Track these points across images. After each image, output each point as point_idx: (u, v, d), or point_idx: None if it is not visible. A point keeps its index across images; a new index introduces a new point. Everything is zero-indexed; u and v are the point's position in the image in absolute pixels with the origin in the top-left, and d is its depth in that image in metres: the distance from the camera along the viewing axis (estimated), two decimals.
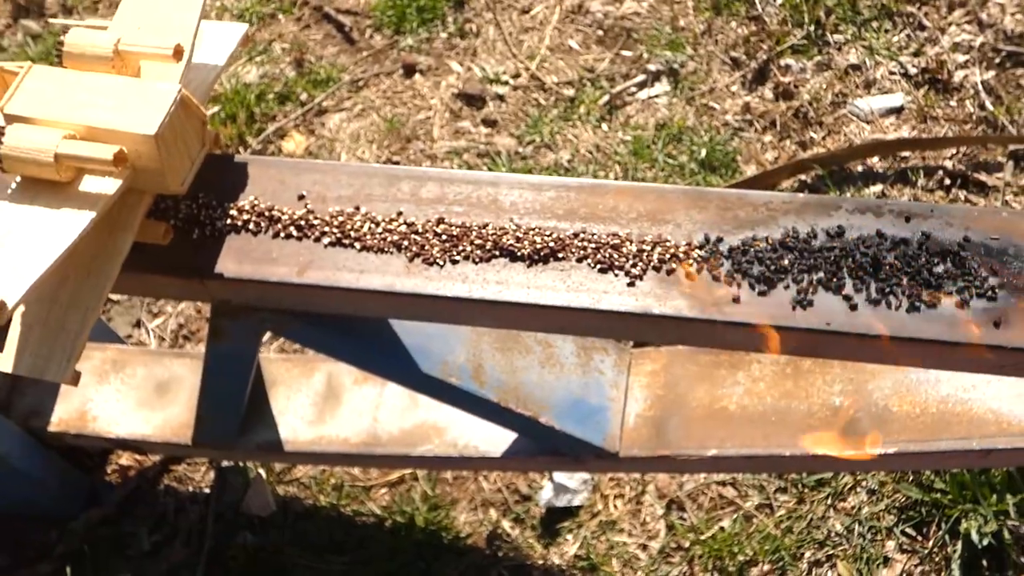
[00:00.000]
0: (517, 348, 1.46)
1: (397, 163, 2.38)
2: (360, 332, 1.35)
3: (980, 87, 2.26)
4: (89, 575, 1.89)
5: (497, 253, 1.13)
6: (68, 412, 1.79)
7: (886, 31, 2.39)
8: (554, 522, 1.90)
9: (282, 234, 1.17)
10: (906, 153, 2.21)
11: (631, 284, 1.10)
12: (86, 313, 1.06)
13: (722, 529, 1.84)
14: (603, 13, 2.55)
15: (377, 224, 1.16)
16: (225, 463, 2.01)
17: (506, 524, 1.91)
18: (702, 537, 1.83)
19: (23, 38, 2.78)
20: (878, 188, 2.18)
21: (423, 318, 1.23)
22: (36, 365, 1.05)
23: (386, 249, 1.15)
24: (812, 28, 2.40)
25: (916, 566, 1.75)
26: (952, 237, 1.08)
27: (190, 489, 2.01)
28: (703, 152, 2.26)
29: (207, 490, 2.00)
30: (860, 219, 1.11)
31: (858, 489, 1.83)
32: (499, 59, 2.52)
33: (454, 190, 1.19)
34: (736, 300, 1.07)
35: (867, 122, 2.28)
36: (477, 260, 1.13)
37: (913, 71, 2.32)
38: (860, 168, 2.21)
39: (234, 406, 1.61)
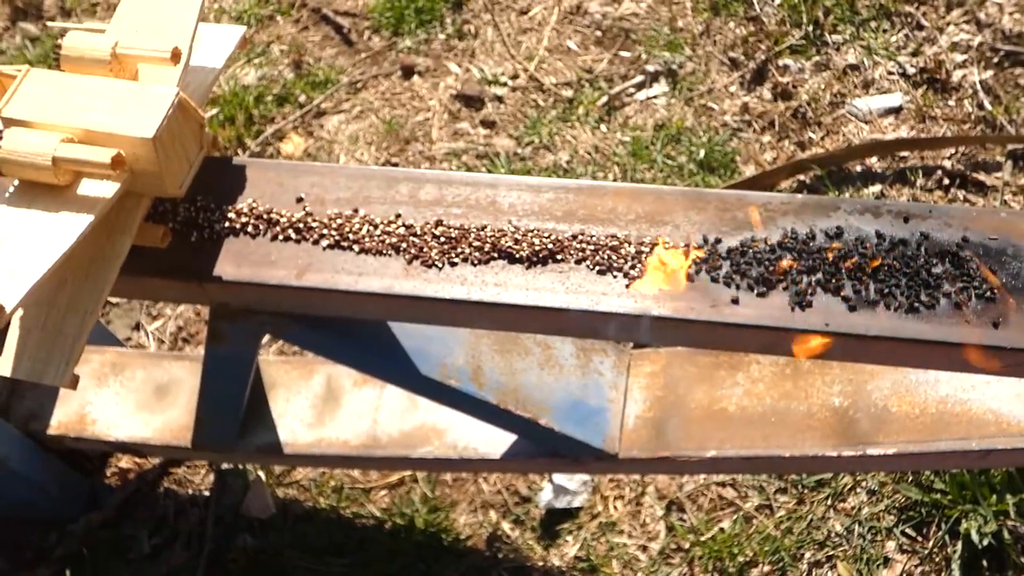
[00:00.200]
0: (516, 350, 1.46)
1: (396, 165, 2.38)
2: (359, 334, 1.35)
3: (978, 87, 2.27)
4: None
5: (496, 255, 1.13)
6: (67, 415, 1.79)
7: (884, 31, 2.39)
8: (554, 523, 1.90)
9: (280, 237, 1.17)
10: (905, 153, 2.21)
11: (630, 286, 1.10)
12: (84, 317, 1.06)
13: (722, 530, 1.84)
14: (601, 14, 2.55)
15: (376, 226, 1.16)
16: (225, 466, 2.01)
17: (506, 526, 1.91)
18: (702, 538, 1.83)
19: (21, 41, 2.78)
20: (877, 188, 2.18)
21: (422, 320, 1.23)
22: (34, 369, 1.04)
23: (384, 251, 1.14)
24: (810, 28, 2.41)
25: (916, 566, 1.75)
26: (951, 237, 1.08)
27: (190, 492, 2.01)
28: (702, 153, 2.26)
29: (207, 493, 2.00)
30: (859, 220, 1.11)
31: (858, 490, 1.83)
32: (497, 60, 2.52)
33: (452, 192, 1.18)
34: (735, 301, 1.07)
35: (866, 122, 2.28)
36: (476, 262, 1.13)
37: (911, 71, 2.32)
38: (859, 168, 2.21)
39: (233, 409, 1.61)
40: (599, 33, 2.52)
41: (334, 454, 1.66)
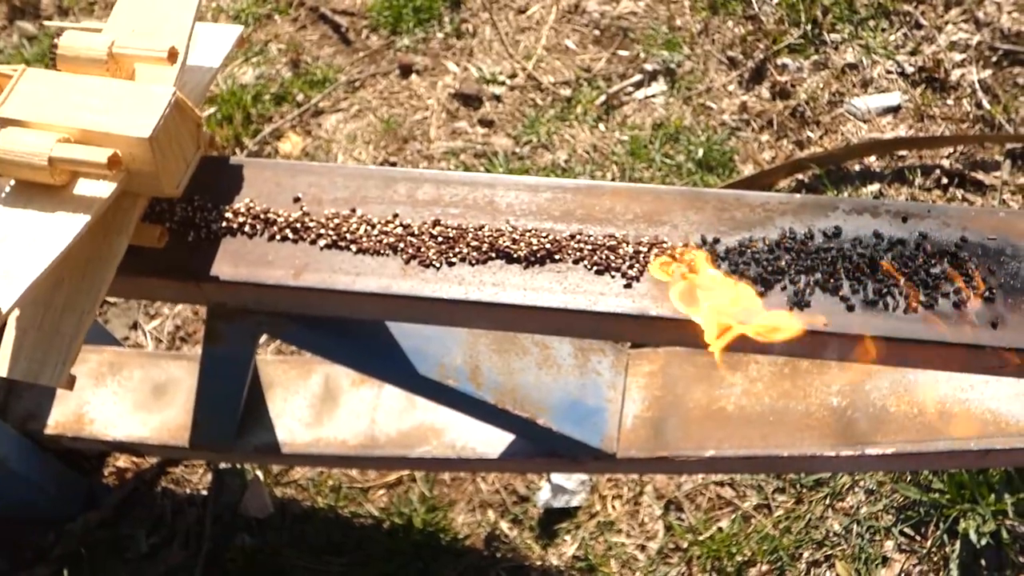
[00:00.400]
0: (514, 350, 1.46)
1: (394, 164, 2.37)
2: (357, 334, 1.35)
3: (977, 86, 2.26)
4: None
5: (493, 255, 1.13)
6: (65, 415, 1.79)
7: (883, 30, 2.39)
8: (552, 523, 1.90)
9: (278, 237, 1.17)
10: (903, 152, 2.20)
11: (628, 286, 1.10)
12: (81, 317, 1.06)
13: (720, 529, 1.84)
14: (600, 13, 2.54)
15: (373, 226, 1.16)
16: (222, 465, 2.01)
17: (504, 525, 1.91)
18: (700, 538, 1.83)
19: (18, 40, 2.77)
20: (875, 187, 2.17)
21: (419, 320, 1.23)
22: (31, 369, 1.04)
23: (382, 251, 1.14)
24: (809, 27, 2.40)
25: (915, 566, 1.75)
26: (949, 237, 1.08)
27: (187, 491, 2.01)
28: (700, 152, 2.26)
29: (205, 492, 2.00)
30: (857, 219, 1.11)
31: (856, 489, 1.83)
32: (496, 59, 2.51)
33: (450, 192, 1.18)
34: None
35: (864, 121, 2.28)
36: (473, 262, 1.13)
37: (910, 70, 2.32)
38: (857, 167, 2.21)
39: (231, 408, 1.61)
40: (597, 32, 2.52)
41: (332, 454, 1.66)
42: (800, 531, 1.81)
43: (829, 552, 1.79)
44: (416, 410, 1.65)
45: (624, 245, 1.11)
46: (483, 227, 1.14)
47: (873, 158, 2.21)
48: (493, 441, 1.57)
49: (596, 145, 2.33)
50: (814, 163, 2.18)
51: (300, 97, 2.52)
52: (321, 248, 1.16)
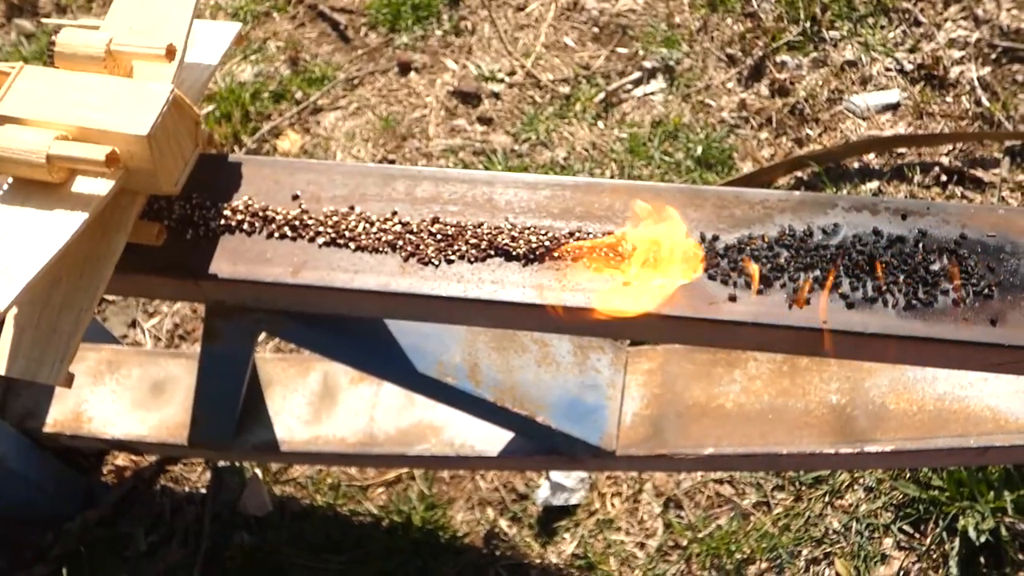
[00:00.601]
0: (513, 347, 1.46)
1: (393, 162, 2.37)
2: (356, 332, 1.35)
3: (976, 83, 2.26)
4: (86, 575, 1.88)
5: (492, 252, 1.13)
6: (63, 413, 1.79)
7: (882, 27, 2.39)
8: (551, 521, 1.90)
9: (276, 234, 1.17)
10: (902, 149, 2.20)
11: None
12: (79, 315, 1.06)
13: (719, 527, 1.84)
14: (598, 10, 2.54)
15: (372, 224, 1.15)
16: (221, 463, 2.01)
17: (503, 523, 1.91)
18: (700, 535, 1.83)
19: (16, 37, 2.77)
20: (874, 185, 2.17)
21: (418, 318, 1.23)
22: (29, 367, 1.04)
23: (381, 249, 1.14)
24: (808, 24, 2.40)
25: (914, 563, 1.75)
26: (948, 235, 1.08)
27: (186, 489, 2.01)
28: (699, 149, 2.26)
29: (203, 490, 2.00)
30: (856, 217, 1.11)
31: (856, 487, 1.83)
32: (494, 57, 2.51)
33: (449, 189, 1.18)
34: (732, 299, 1.07)
35: (863, 118, 2.27)
36: (472, 260, 1.13)
37: (909, 67, 2.32)
38: (856, 165, 2.21)
39: (230, 407, 1.60)
40: (596, 29, 2.52)
41: (331, 452, 1.66)
42: (799, 529, 1.81)
43: (828, 550, 1.79)
44: (415, 408, 1.64)
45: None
46: (482, 225, 1.14)
47: (872, 155, 2.21)
48: (492, 439, 1.57)
49: (595, 143, 2.33)
50: (813, 160, 2.18)
51: (299, 95, 2.52)
52: (320, 246, 1.15)
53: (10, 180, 1.06)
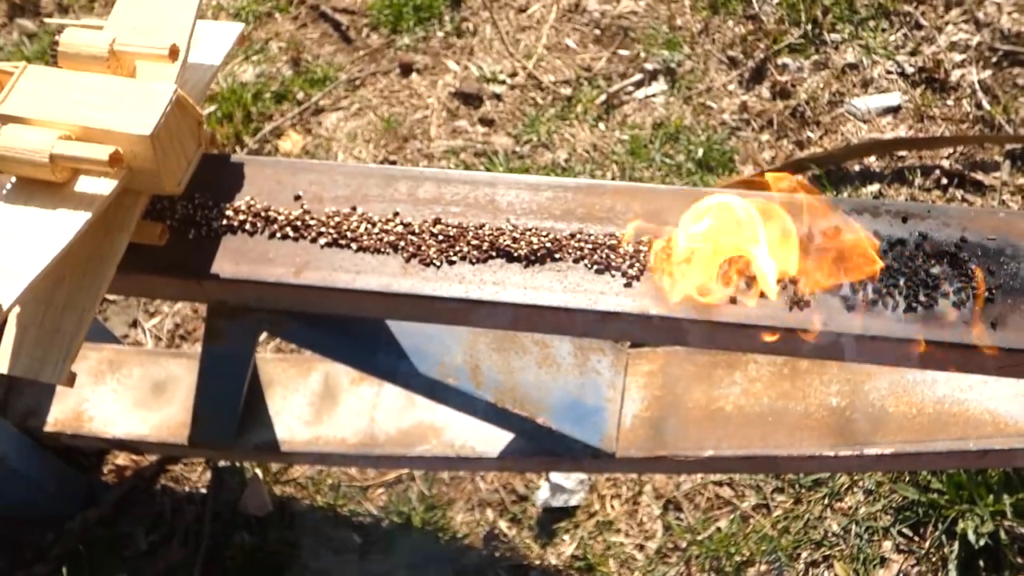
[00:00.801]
0: (514, 348, 1.46)
1: (394, 162, 2.37)
2: (357, 333, 1.35)
3: (977, 86, 2.26)
4: (86, 575, 1.88)
5: (494, 254, 1.13)
6: (64, 412, 1.79)
7: (883, 30, 2.39)
8: (551, 522, 1.90)
9: (279, 234, 1.17)
10: (903, 152, 2.21)
11: (628, 285, 1.10)
12: (82, 314, 1.06)
13: (719, 529, 1.84)
14: (600, 12, 2.54)
15: (374, 224, 1.16)
16: (222, 463, 2.01)
17: (503, 524, 1.91)
18: (699, 537, 1.83)
19: (18, 37, 2.77)
20: (875, 188, 2.18)
21: (420, 319, 1.23)
22: (31, 366, 1.04)
23: (383, 250, 1.14)
24: (809, 27, 2.40)
25: (913, 566, 1.75)
26: (949, 238, 1.08)
27: (187, 489, 2.01)
28: (700, 152, 2.26)
29: (204, 490, 2.00)
30: (857, 219, 1.11)
31: (855, 489, 1.83)
32: (496, 58, 2.52)
33: (451, 190, 1.18)
34: (733, 301, 1.07)
35: (864, 121, 2.28)
36: (474, 261, 1.13)
37: (910, 70, 2.32)
38: (857, 167, 2.21)
39: (231, 406, 1.61)
40: (598, 31, 2.52)
41: (332, 452, 1.66)
42: (799, 531, 1.81)
43: (828, 552, 1.79)
44: (416, 409, 1.65)
45: (624, 244, 1.12)
46: (484, 226, 1.14)
47: (873, 158, 2.21)
48: (492, 440, 1.57)
49: (596, 144, 2.34)
50: (814, 163, 2.18)
51: (300, 95, 2.52)
52: (322, 246, 1.16)
53: (13, 179, 1.07)
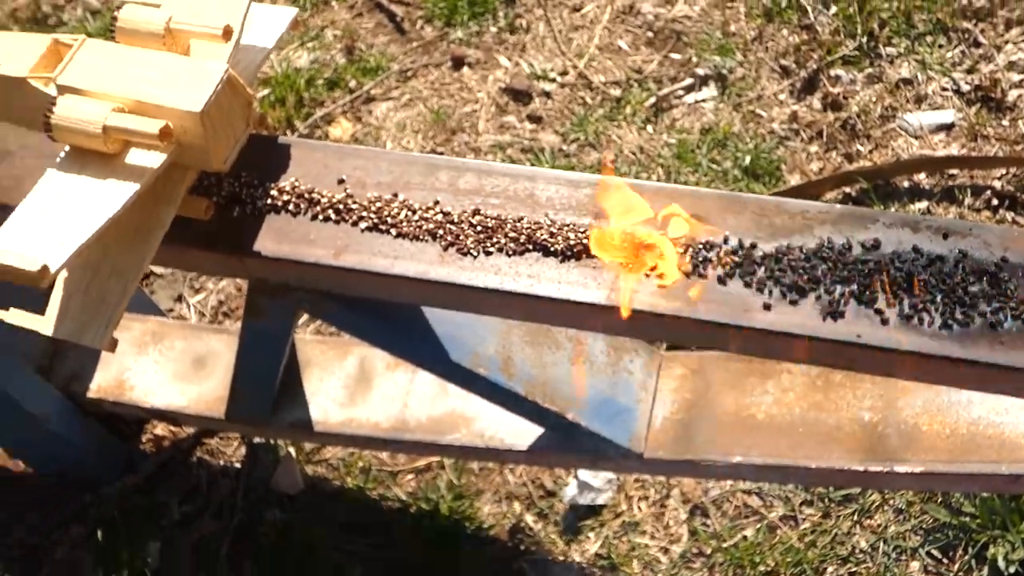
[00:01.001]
0: (547, 343, 1.47)
1: (441, 154, 2.39)
2: (394, 317, 1.37)
3: None
4: (121, 540, 1.92)
5: (530, 247, 1.14)
6: (107, 380, 1.83)
7: (940, 46, 2.36)
8: (577, 519, 1.90)
9: (320, 216, 1.19)
10: (954, 171, 2.18)
11: (663, 285, 1.10)
12: (126, 282, 1.09)
13: (745, 538, 1.83)
14: (654, 15, 2.54)
15: (414, 212, 1.17)
16: (257, 439, 2.04)
17: (529, 518, 1.92)
18: (724, 544, 1.83)
19: (83, 13, 2.84)
20: (923, 204, 2.15)
21: (454, 307, 1.24)
22: (75, 331, 1.07)
23: (421, 237, 1.16)
24: (865, 39, 2.38)
25: None
26: (989, 257, 1.07)
27: (222, 463, 2.04)
28: (747, 159, 2.25)
29: (238, 465, 2.03)
30: (897, 233, 1.10)
31: (886, 507, 1.81)
32: (548, 56, 2.52)
33: (491, 182, 1.19)
34: (767, 307, 1.07)
35: (916, 137, 2.25)
36: (510, 253, 1.14)
37: (966, 88, 2.29)
38: (906, 183, 2.19)
39: (267, 383, 1.63)
40: (651, 34, 2.52)
41: (364, 435, 1.68)
42: (825, 546, 1.80)
43: (854, 569, 1.78)
44: (448, 397, 1.66)
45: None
46: (522, 219, 1.15)
47: (923, 175, 2.19)
48: (522, 433, 1.58)
49: (643, 147, 2.33)
50: (862, 177, 2.16)
51: (353, 83, 2.55)
52: (362, 230, 1.17)
53: (67, 148, 1.10)
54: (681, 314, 1.08)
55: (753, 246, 1.11)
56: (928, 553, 1.76)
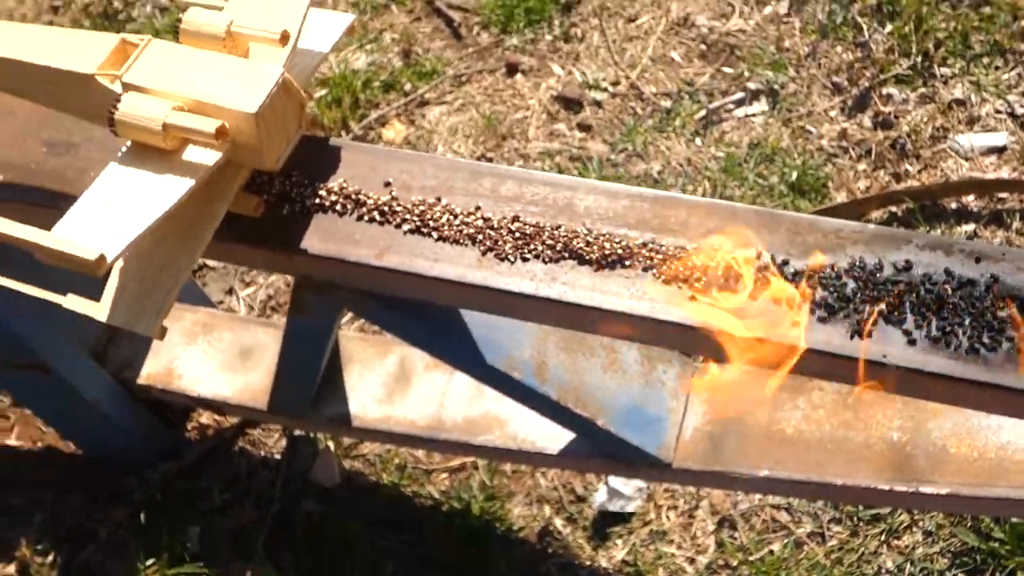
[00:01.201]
0: (582, 350, 1.50)
1: (491, 159, 2.43)
2: (432, 318, 1.40)
3: None
4: (162, 523, 1.98)
5: (567, 255, 1.17)
6: (157, 368, 1.89)
7: (996, 68, 2.35)
8: (606, 526, 1.93)
9: (366, 218, 1.23)
10: (1004, 194, 2.16)
11: (693, 298, 1.12)
12: (178, 274, 1.14)
13: (771, 552, 1.84)
14: (708, 28, 2.56)
15: (455, 216, 1.21)
16: (297, 432, 2.09)
17: (558, 522, 1.95)
18: (751, 558, 1.84)
19: (151, 10, 2.92)
20: (970, 227, 2.14)
21: (491, 310, 1.27)
22: (128, 318, 1.12)
23: (461, 241, 1.19)
24: (919, 59, 2.37)
25: None
26: (1021, 283, 1.08)
27: (263, 454, 2.10)
28: (794, 175, 2.25)
29: (278, 456, 2.09)
30: (929, 255, 1.11)
31: (914, 529, 1.81)
32: (600, 65, 2.55)
33: (532, 190, 1.23)
34: (795, 324, 1.09)
35: (966, 159, 2.24)
36: (547, 260, 1.17)
37: (1020, 111, 2.27)
38: (954, 205, 2.18)
39: (309, 378, 1.68)
40: (704, 47, 2.53)
41: (400, 432, 1.72)
42: (852, 564, 1.80)
43: None
44: (483, 399, 1.70)
45: (694, 258, 1.14)
46: (560, 227, 1.18)
47: (972, 197, 2.17)
48: (554, 437, 1.61)
49: (691, 159, 2.35)
50: (909, 197, 2.16)
51: (408, 87, 2.60)
52: (405, 232, 1.21)
53: (128, 143, 1.15)
54: (709, 326, 1.10)
55: (785, 263, 1.13)
56: None
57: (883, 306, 1.08)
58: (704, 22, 2.57)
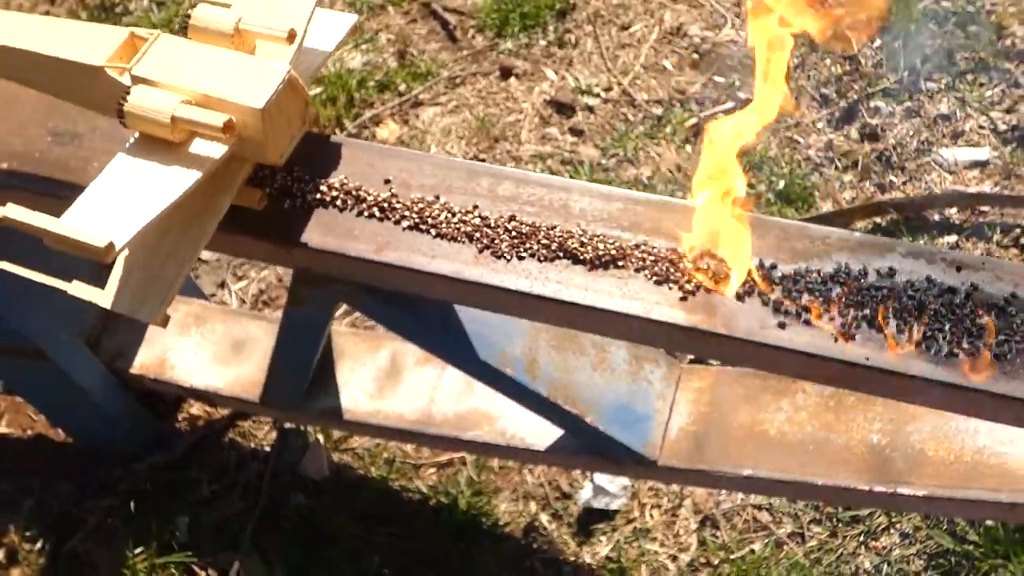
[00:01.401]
0: (572, 348, 1.53)
1: (483, 161, 2.46)
2: (427, 313, 1.43)
3: None
4: (150, 513, 2.00)
5: (561, 254, 1.20)
6: (149, 358, 1.91)
7: (981, 84, 2.40)
8: (590, 522, 1.96)
9: (365, 213, 1.26)
10: (985, 208, 2.21)
11: (684, 299, 1.16)
12: (182, 264, 1.17)
13: (752, 551, 1.88)
14: (701, 38, 2.60)
15: (453, 214, 1.24)
16: (288, 425, 2.12)
17: (544, 518, 1.98)
18: (732, 556, 1.88)
19: (148, 4, 2.94)
20: (952, 239, 2.19)
21: (485, 307, 1.30)
22: (132, 306, 1.15)
23: (459, 238, 1.22)
24: (906, 74, 2.42)
25: None
26: (1000, 292, 1.12)
27: (252, 446, 2.12)
28: (781, 184, 2.30)
29: (268, 448, 2.11)
30: (912, 263, 1.15)
31: (892, 531, 1.85)
32: (593, 71, 2.59)
33: (528, 191, 1.26)
34: (781, 326, 1.12)
35: (950, 172, 2.29)
36: (542, 259, 1.20)
37: (1003, 127, 2.32)
38: (937, 217, 2.22)
39: (302, 370, 1.70)
40: (696, 56, 2.57)
41: (390, 426, 1.75)
42: (831, 564, 1.84)
43: None
44: (473, 395, 1.72)
45: (685, 260, 1.18)
46: (555, 227, 1.21)
47: (954, 210, 2.22)
48: (542, 434, 1.64)
49: (680, 166, 2.39)
50: (893, 208, 2.20)
51: (402, 87, 2.63)
52: (403, 229, 1.24)
53: (137, 135, 1.18)
54: (698, 327, 1.13)
55: (773, 267, 1.17)
56: None
57: (866, 311, 1.12)
58: (697, 32, 2.61)
